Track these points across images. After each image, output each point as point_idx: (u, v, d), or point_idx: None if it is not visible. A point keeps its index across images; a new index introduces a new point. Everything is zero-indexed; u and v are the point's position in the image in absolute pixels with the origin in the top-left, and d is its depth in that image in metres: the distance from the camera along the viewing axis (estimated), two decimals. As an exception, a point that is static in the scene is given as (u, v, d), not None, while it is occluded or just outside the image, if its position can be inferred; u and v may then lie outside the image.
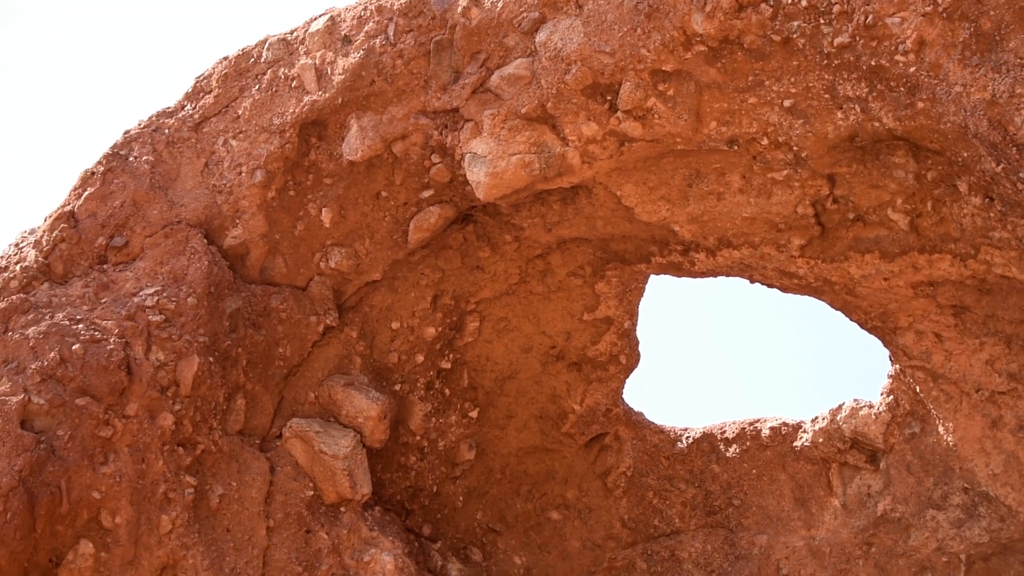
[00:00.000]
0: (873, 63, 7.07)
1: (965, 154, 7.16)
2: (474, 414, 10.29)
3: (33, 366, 7.98)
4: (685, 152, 8.32)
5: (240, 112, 9.08)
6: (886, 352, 9.46)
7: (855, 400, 9.90)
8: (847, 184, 8.07)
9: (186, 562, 8.15)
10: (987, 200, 7.52)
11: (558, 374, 10.45)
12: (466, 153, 8.55)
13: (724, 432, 10.58)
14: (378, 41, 8.68)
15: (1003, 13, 6.53)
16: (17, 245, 9.05)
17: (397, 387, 9.73)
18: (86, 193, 9.00)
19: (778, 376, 25.32)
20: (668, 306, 26.15)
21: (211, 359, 8.60)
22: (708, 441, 10.59)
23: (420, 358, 9.77)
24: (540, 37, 8.15)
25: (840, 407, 9.94)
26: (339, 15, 8.97)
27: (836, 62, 7.27)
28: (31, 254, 8.81)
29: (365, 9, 8.84)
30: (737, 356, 25.92)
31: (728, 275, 9.43)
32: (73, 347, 8.09)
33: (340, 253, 9.21)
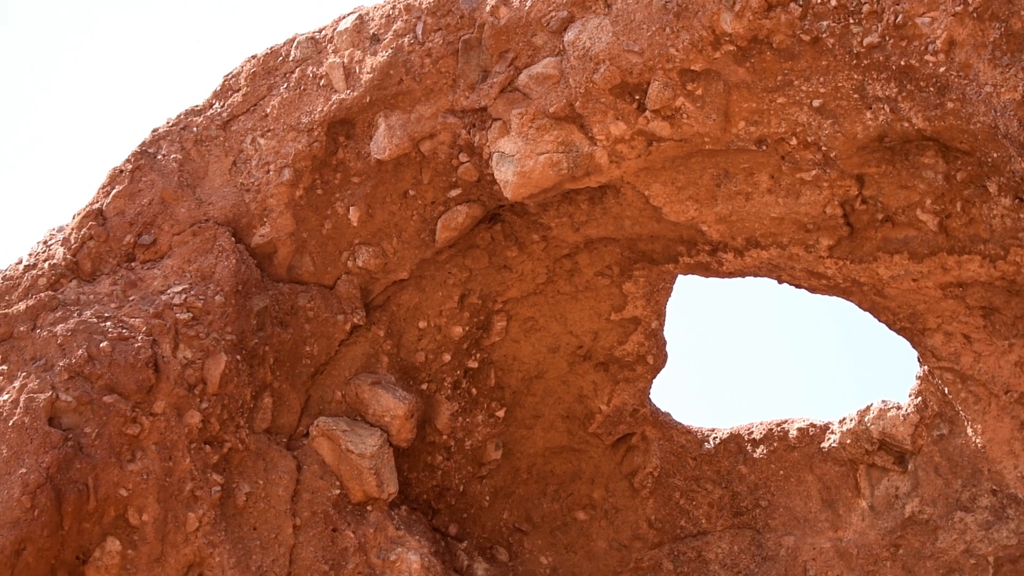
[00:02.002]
0: (903, 63, 7.04)
1: (995, 155, 7.13)
2: (501, 414, 10.28)
3: (61, 363, 8.02)
4: (713, 152, 8.30)
5: (268, 110, 9.10)
6: (914, 353, 9.42)
7: (883, 401, 9.84)
8: (876, 184, 8.03)
9: (212, 560, 8.18)
10: (1017, 201, 7.48)
11: (585, 374, 10.43)
12: (494, 152, 8.55)
13: (751, 433, 10.54)
14: (406, 40, 8.68)
15: (1034, 13, 6.50)
16: (45, 243, 9.09)
17: (424, 386, 9.73)
18: (114, 191, 9.04)
19: (805, 377, 25.20)
20: (695, 306, 26.07)
21: (238, 357, 8.62)
22: (735, 442, 10.56)
23: (447, 357, 9.77)
24: (569, 36, 8.14)
25: (868, 408, 9.89)
26: (367, 14, 8.99)
27: (865, 62, 7.24)
28: (59, 252, 8.85)
29: (393, 8, 8.85)
30: (764, 357, 25.80)
31: (756, 275, 9.40)
32: (101, 344, 8.12)
33: (367, 252, 9.22)
